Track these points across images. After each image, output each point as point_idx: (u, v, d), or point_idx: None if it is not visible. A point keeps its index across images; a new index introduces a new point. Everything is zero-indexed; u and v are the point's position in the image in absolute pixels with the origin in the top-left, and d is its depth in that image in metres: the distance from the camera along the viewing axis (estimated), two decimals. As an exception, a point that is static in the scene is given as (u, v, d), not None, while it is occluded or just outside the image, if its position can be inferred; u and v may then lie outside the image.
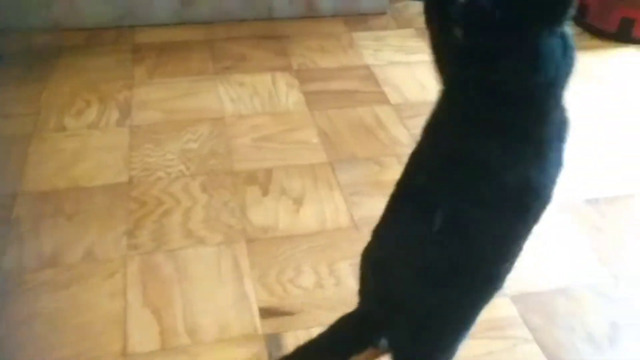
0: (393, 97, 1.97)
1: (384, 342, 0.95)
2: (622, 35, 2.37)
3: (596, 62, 2.24)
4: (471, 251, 0.86)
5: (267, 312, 1.25)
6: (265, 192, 1.58)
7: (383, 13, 2.50)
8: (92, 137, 1.74)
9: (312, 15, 2.44)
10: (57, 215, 1.47)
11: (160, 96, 1.93)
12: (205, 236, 1.43)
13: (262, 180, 1.61)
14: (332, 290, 1.31)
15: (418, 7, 2.60)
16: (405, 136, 1.80)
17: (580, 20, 2.46)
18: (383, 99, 1.97)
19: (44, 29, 2.21)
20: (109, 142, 1.72)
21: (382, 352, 0.98)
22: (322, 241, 1.43)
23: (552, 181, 0.86)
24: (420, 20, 2.58)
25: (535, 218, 0.87)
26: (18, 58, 2.08)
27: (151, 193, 1.55)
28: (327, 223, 1.49)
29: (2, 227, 1.42)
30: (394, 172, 1.66)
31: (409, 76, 2.09)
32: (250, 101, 1.93)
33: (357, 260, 1.00)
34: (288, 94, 1.97)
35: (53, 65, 2.04)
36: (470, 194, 0.85)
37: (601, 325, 1.26)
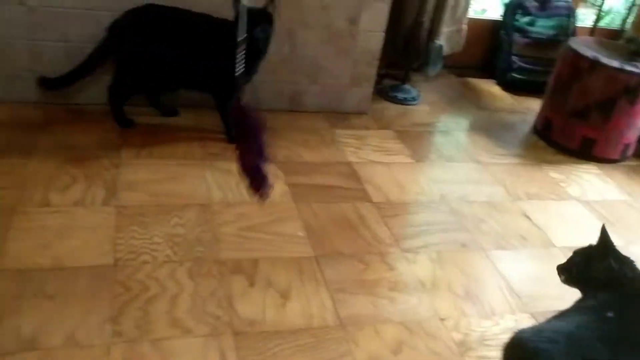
0: (374, 195, 2.05)
1: None
2: (583, 153, 2.57)
3: (558, 175, 2.41)
4: None
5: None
6: (251, 283, 1.58)
7: (364, 113, 2.64)
8: (78, 214, 1.72)
9: (296, 109, 2.55)
10: (39, 295, 1.43)
11: (147, 177, 1.94)
12: (191, 327, 1.41)
13: (249, 271, 1.62)
14: (319, 390, 1.30)
15: (396, 110, 2.76)
16: (387, 235, 1.86)
17: (546, 136, 2.66)
18: (365, 197, 2.04)
19: (30, 102, 2.22)
20: (95, 222, 1.70)
21: None
22: (309, 339, 1.43)
23: None
24: (399, 123, 2.72)
25: None
26: (2, 130, 2.07)
27: (137, 277, 1.53)
28: (313, 320, 1.50)
29: (-20, 304, 1.37)
30: (378, 271, 1.72)
31: (389, 176, 2.19)
32: (236, 189, 1.96)
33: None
34: (274, 185, 2.02)
35: (38, 139, 2.04)
36: None
37: None
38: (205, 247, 1.68)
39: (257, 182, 1.51)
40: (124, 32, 2.09)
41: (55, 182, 1.83)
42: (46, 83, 2.13)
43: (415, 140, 2.52)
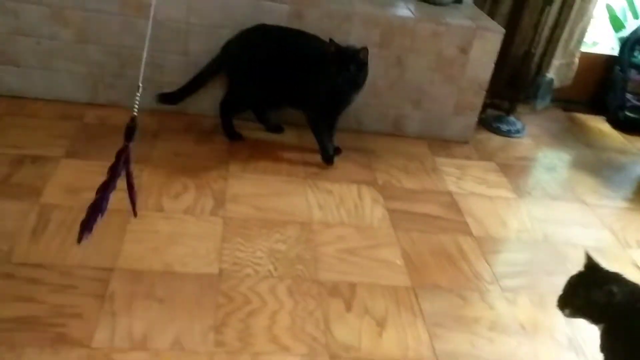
0: (475, 229, 2.01)
1: None
2: None
3: None
4: None
5: None
6: (348, 308, 1.59)
7: (466, 142, 2.60)
8: (187, 222, 1.80)
9: (397, 134, 2.55)
10: (150, 297, 1.50)
11: (252, 191, 2.00)
12: (290, 345, 1.44)
13: (346, 295, 1.63)
14: None
15: (499, 142, 2.70)
16: (487, 272, 1.81)
17: None
18: (465, 230, 2.00)
19: (147, 110, 2.35)
20: (203, 231, 1.78)
21: None
22: (405, 371, 1.42)
23: None
24: (502, 155, 2.66)
25: None
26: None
27: (239, 289, 1.58)
28: (409, 352, 1.48)
29: (97, 301, 1.46)
30: (477, 308, 1.68)
31: (491, 210, 2.14)
32: (336, 210, 1.98)
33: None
34: (373, 209, 2.03)
35: (154, 146, 2.16)
36: None
37: None
38: (304, 266, 1.71)
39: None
40: (236, 50, 2.18)
41: (168, 189, 1.93)
42: (164, 99, 2.25)
43: (518, 175, 2.45)
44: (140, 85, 1.41)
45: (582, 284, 1.32)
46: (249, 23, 2.21)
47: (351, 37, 2.30)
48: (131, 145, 1.37)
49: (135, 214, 1.46)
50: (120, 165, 1.35)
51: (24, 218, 1.69)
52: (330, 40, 2.05)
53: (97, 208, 1.32)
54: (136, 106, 1.39)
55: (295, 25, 2.26)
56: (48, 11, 2.15)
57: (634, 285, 1.31)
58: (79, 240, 1.31)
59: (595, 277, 1.31)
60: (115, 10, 2.19)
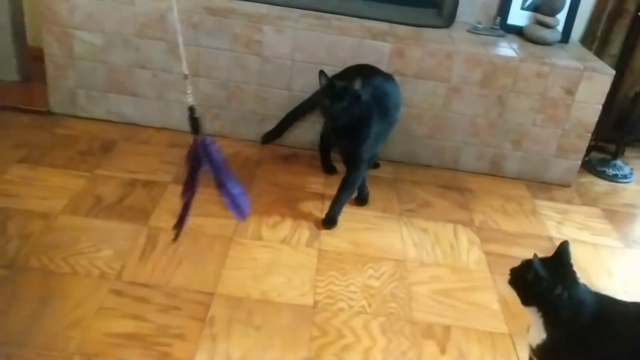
0: (578, 278, 1.91)
1: None
2: None
3: None
4: None
5: None
6: (442, 351, 1.56)
7: (567, 186, 2.50)
8: (284, 252, 1.85)
9: (495, 174, 2.49)
10: (248, 324, 1.55)
11: (346, 225, 2.02)
12: (383, 384, 1.43)
13: (440, 337, 1.60)
14: None
15: (604, 187, 2.58)
16: (591, 325, 1.72)
17: None
18: (567, 278, 1.91)
19: (250, 140, 2.45)
20: (298, 261, 1.81)
21: None
22: (502, 423, 1.37)
23: None
24: (607, 201, 2.54)
25: None
26: (230, 162, 2.29)
27: (333, 323, 1.59)
28: (505, 402, 1.43)
29: (198, 323, 1.52)
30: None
31: (595, 259, 2.03)
32: (431, 249, 1.96)
33: None
34: (469, 250, 1.99)
35: (254, 175, 2.24)
36: None
37: None
38: (398, 304, 1.70)
39: (239, 208, 1.38)
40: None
41: (267, 218, 1.99)
42: (266, 139, 2.33)
43: (625, 222, 2.32)
44: (187, 73, 1.42)
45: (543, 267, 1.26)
46: (351, 61, 2.26)
47: (452, 75, 2.30)
48: (199, 139, 1.37)
49: (175, 238, 1.45)
50: (195, 161, 1.37)
51: (134, 238, 1.79)
52: (321, 72, 1.91)
53: (186, 208, 1.40)
54: (189, 94, 1.38)
55: (396, 63, 2.29)
56: (165, 46, 2.31)
57: (599, 296, 1.28)
58: (174, 239, 1.44)
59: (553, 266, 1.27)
60: (226, 46, 2.31)
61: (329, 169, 2.34)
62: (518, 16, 2.59)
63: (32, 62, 2.67)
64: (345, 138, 1.98)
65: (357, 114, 1.89)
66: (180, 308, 1.57)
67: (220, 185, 1.35)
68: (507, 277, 1.32)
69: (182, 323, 1.52)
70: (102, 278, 1.63)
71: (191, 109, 1.38)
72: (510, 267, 1.32)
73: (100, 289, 1.59)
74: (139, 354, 1.41)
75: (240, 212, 1.37)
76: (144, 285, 1.62)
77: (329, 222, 1.99)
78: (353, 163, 2.01)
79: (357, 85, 1.86)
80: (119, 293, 1.59)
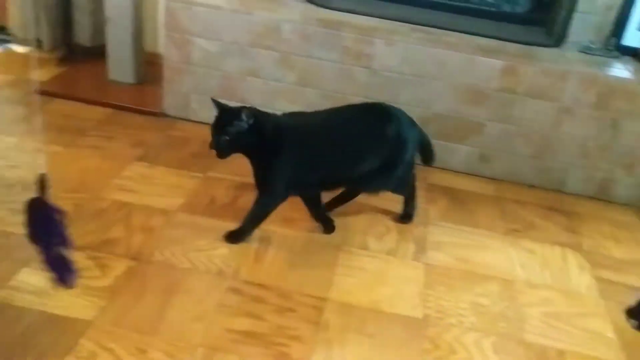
0: (698, 313, 1.82)
1: None
2: None
3: None
4: None
5: None
6: (558, 376, 1.53)
7: (682, 215, 2.39)
8: (391, 263, 1.86)
9: (603, 198, 2.42)
10: (361, 332, 1.57)
11: (452, 241, 2.02)
12: (499, 404, 1.41)
13: (555, 362, 1.57)
14: None
15: None
16: None
17: None
18: (686, 312, 1.83)
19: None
20: (406, 274, 1.82)
21: None
22: None
23: None
24: None
25: None
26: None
27: (445, 338, 1.59)
28: None
29: (313, 327, 1.56)
30: None
31: None
32: (540, 271, 1.92)
33: None
34: (580, 275, 1.93)
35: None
36: None
37: None
38: (508, 325, 1.67)
39: (61, 273, 1.30)
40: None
41: (372, 229, 2.01)
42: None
43: None
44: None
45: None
46: (460, 76, 2.26)
47: (565, 95, 2.25)
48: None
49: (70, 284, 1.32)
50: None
51: (249, 239, 1.86)
52: (212, 99, 1.75)
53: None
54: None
55: (507, 81, 2.27)
56: (278, 56, 2.39)
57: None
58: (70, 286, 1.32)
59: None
60: (335, 58, 2.36)
61: (324, 222, 1.98)
62: (634, 37, 2.50)
63: (146, 66, 2.83)
64: (254, 163, 1.83)
65: (243, 144, 1.74)
66: (294, 310, 1.61)
67: (46, 246, 1.28)
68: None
69: (297, 325, 1.56)
70: (220, 275, 1.70)
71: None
72: (624, 294, 1.27)
73: (219, 285, 1.66)
74: (259, 352, 1.46)
75: (61, 278, 1.30)
76: (260, 286, 1.68)
77: (229, 237, 1.85)
78: (262, 188, 1.85)
79: (243, 116, 1.70)
80: (236, 291, 1.65)
